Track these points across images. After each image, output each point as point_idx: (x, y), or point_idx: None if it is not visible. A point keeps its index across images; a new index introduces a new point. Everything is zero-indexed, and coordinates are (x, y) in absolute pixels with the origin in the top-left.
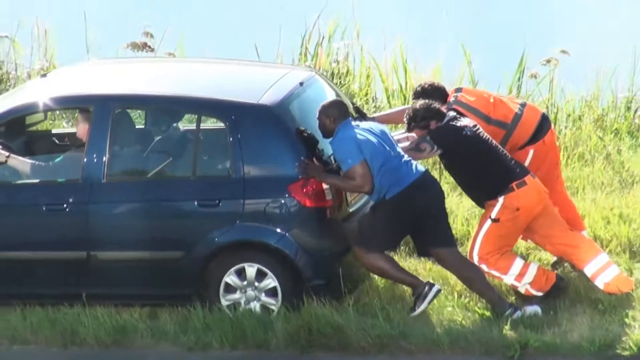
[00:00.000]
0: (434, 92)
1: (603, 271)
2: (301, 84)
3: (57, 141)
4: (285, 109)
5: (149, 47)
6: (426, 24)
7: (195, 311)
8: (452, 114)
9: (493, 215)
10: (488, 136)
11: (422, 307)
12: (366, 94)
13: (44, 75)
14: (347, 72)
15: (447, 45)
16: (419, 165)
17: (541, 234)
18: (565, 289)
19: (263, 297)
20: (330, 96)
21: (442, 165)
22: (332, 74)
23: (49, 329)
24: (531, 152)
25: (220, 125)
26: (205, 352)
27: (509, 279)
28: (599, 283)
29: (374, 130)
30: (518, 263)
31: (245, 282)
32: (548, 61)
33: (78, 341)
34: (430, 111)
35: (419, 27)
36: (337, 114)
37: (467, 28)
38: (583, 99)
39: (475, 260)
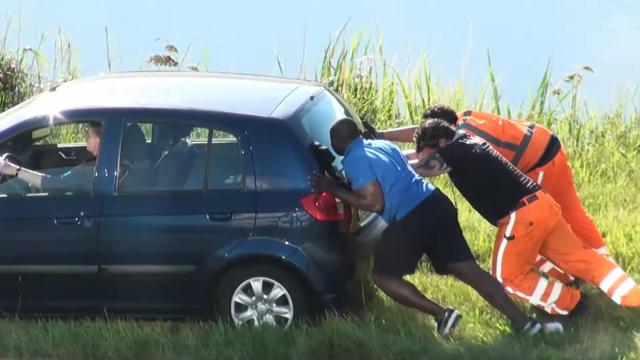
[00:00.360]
0: (443, 115)
1: (619, 285)
2: (312, 98)
3: (63, 155)
4: (297, 122)
5: (172, 61)
6: (449, 39)
7: (217, 326)
8: (461, 132)
9: (507, 233)
10: (498, 153)
11: (445, 333)
12: (389, 110)
13: (53, 89)
14: (370, 87)
15: (470, 60)
16: (429, 185)
17: (555, 250)
18: (589, 307)
19: (275, 308)
20: (339, 111)
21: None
22: (355, 89)
23: (70, 342)
24: (541, 174)
25: (232, 138)
26: None
27: (534, 300)
28: (616, 297)
29: (385, 149)
30: (542, 283)
31: (253, 298)
32: (571, 77)
33: (99, 355)
34: (439, 129)
35: (442, 42)
36: (347, 133)
37: (490, 44)
38: (606, 116)
39: (500, 282)
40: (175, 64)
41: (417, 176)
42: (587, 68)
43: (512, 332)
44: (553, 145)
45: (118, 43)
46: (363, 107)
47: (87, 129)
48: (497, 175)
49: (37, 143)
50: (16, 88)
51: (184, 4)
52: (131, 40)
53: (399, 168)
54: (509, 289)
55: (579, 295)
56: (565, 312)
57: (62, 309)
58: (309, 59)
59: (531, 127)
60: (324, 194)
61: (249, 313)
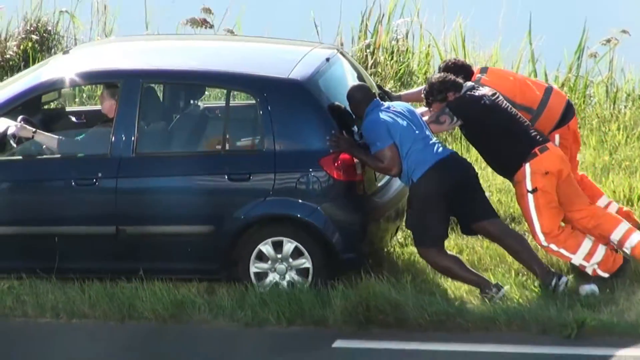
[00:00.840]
0: (458, 69)
1: (628, 237)
2: (327, 60)
3: (74, 119)
4: (314, 83)
5: (208, 23)
6: (486, 2)
7: (252, 287)
8: (469, 84)
9: (529, 187)
10: (508, 105)
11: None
12: (425, 73)
13: (66, 52)
14: (407, 50)
15: (506, 24)
16: (447, 147)
17: (565, 203)
18: (630, 271)
19: (293, 275)
20: (353, 74)
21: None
22: (392, 52)
23: (107, 303)
24: (557, 137)
25: (250, 100)
26: (262, 327)
27: (577, 259)
28: (627, 249)
29: (403, 112)
30: (587, 243)
31: (279, 256)
32: (608, 41)
33: (136, 315)
34: (446, 83)
35: (479, 5)
36: (363, 97)
37: (528, 7)
38: None
39: (543, 240)
40: (211, 26)
41: (434, 138)
42: (624, 31)
43: (547, 294)
44: (569, 110)
45: (154, 5)
46: (400, 70)
47: (102, 91)
48: (508, 126)
49: (45, 107)
50: (52, 50)
51: None
52: (167, 2)
53: (416, 131)
54: (553, 247)
55: (622, 259)
56: (606, 275)
57: (80, 270)
58: (345, 22)
59: (549, 89)
60: (343, 154)
61: (266, 266)
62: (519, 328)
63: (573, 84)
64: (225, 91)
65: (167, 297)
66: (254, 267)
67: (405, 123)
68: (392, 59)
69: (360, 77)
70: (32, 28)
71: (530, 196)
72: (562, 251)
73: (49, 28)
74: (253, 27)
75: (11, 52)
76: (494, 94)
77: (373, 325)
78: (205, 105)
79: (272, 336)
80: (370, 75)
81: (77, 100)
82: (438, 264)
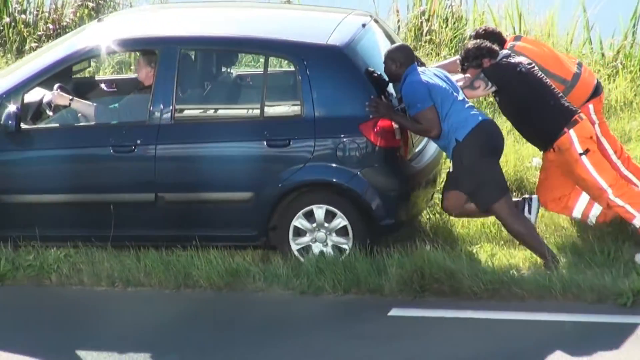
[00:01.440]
0: (488, 37)
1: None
2: (363, 26)
3: (105, 87)
4: (353, 49)
5: None
6: None
7: (308, 255)
8: (505, 51)
9: (579, 150)
10: (543, 75)
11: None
12: None
13: (100, 20)
14: (461, 17)
15: None
16: (483, 112)
17: None
18: None
19: (334, 237)
20: (387, 40)
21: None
22: (446, 18)
23: (162, 271)
24: (591, 107)
25: (288, 66)
26: (317, 296)
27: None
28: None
29: (440, 75)
30: None
31: (314, 225)
32: None
33: (191, 284)
34: (482, 49)
35: None
36: (404, 59)
37: None
38: None
39: (611, 193)
40: None
41: (470, 102)
42: None
43: (603, 262)
44: (598, 87)
45: None
46: (455, 36)
47: (138, 58)
48: (544, 94)
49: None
50: None
51: None
52: None
53: (454, 94)
54: (619, 201)
55: None
56: None
57: (119, 238)
58: None
59: (579, 64)
60: (382, 119)
61: (306, 239)
62: (574, 297)
63: (628, 52)
64: (262, 58)
65: (222, 266)
66: (295, 244)
67: (444, 85)
68: (446, 26)
69: (393, 44)
70: None
71: (584, 158)
72: (628, 207)
73: None
74: None
75: (67, 20)
76: (529, 63)
77: (428, 293)
78: (243, 73)
79: (327, 304)
80: (425, 42)
81: (106, 68)
82: (513, 228)
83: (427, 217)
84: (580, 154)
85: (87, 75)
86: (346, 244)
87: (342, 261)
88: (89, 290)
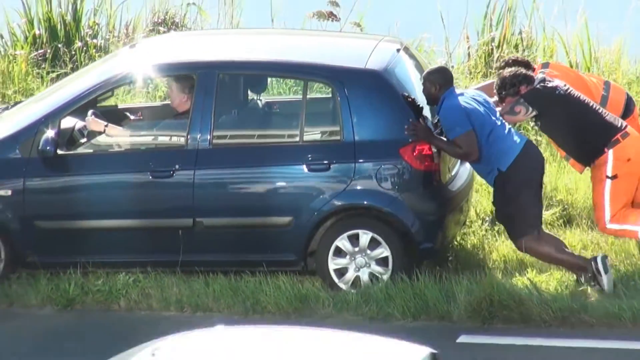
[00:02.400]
0: (518, 65)
1: None
2: (398, 51)
3: (130, 115)
4: (391, 73)
5: (335, 16)
6: None
7: (377, 281)
8: (541, 76)
9: (609, 173)
10: (580, 94)
11: (605, 281)
12: None
13: (132, 46)
14: (531, 44)
15: (633, 16)
16: (521, 135)
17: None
18: None
19: (373, 266)
20: (418, 65)
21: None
22: (516, 45)
23: (231, 297)
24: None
25: (327, 90)
26: (386, 322)
27: None
28: None
29: (478, 99)
30: None
31: (356, 249)
32: None
33: (259, 309)
34: (518, 76)
35: None
36: (443, 81)
37: None
38: None
39: (608, 222)
40: (338, 19)
41: (509, 125)
42: None
43: None
44: (630, 103)
45: None
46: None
47: (170, 85)
48: (585, 114)
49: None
50: None
51: None
52: None
53: (493, 117)
54: (614, 226)
55: None
56: None
57: (157, 263)
58: (470, 15)
59: (606, 84)
60: (422, 143)
61: (345, 261)
62: None
63: None
64: (301, 82)
65: (291, 291)
66: (333, 264)
67: (482, 109)
68: (516, 51)
69: (423, 71)
70: (159, 20)
71: (608, 182)
72: (627, 227)
73: (177, 20)
74: (378, 20)
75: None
76: (565, 85)
77: (497, 320)
78: (281, 97)
79: (396, 331)
80: (495, 69)
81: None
82: (538, 251)
83: (497, 244)
84: (607, 177)
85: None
86: (383, 274)
87: (412, 288)
88: (158, 315)
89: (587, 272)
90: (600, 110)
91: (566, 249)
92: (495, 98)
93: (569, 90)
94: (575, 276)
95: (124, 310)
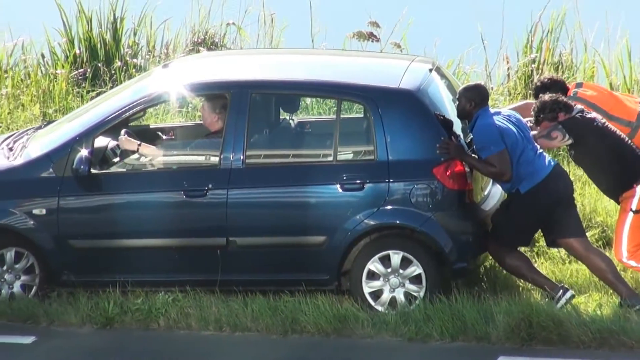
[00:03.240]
0: (552, 85)
1: None
2: (430, 70)
3: (162, 135)
4: (424, 93)
5: (375, 37)
6: None
7: (416, 302)
8: (579, 107)
9: (634, 207)
10: (615, 129)
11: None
12: None
13: (165, 66)
14: (571, 65)
15: None
16: (551, 159)
17: None
18: None
19: (407, 285)
20: (450, 85)
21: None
22: (556, 66)
23: (269, 316)
24: None
25: (361, 109)
26: (425, 342)
27: None
28: None
29: (512, 119)
30: None
31: (389, 270)
32: None
33: (298, 329)
34: (559, 103)
35: None
36: (479, 99)
37: None
38: None
39: (625, 256)
40: (378, 40)
41: (539, 149)
42: None
43: None
44: None
45: (321, 17)
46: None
47: (202, 104)
48: (619, 149)
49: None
50: None
51: None
52: (335, 14)
53: (524, 139)
54: (632, 263)
55: None
56: None
57: (189, 282)
58: (510, 36)
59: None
60: (455, 163)
61: (379, 283)
62: None
63: None
64: (334, 102)
65: (330, 311)
66: (368, 287)
67: (515, 130)
68: (556, 73)
69: (455, 91)
70: (199, 40)
71: (631, 215)
72: None
73: (216, 40)
74: (418, 40)
75: None
76: (602, 119)
77: (536, 341)
78: (315, 117)
79: (435, 351)
80: None
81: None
82: (507, 263)
83: (536, 265)
84: (632, 211)
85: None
86: (418, 292)
87: (450, 308)
88: (197, 334)
89: (551, 292)
90: (633, 147)
91: (534, 267)
92: (529, 119)
93: (605, 124)
94: (615, 298)
95: (163, 329)
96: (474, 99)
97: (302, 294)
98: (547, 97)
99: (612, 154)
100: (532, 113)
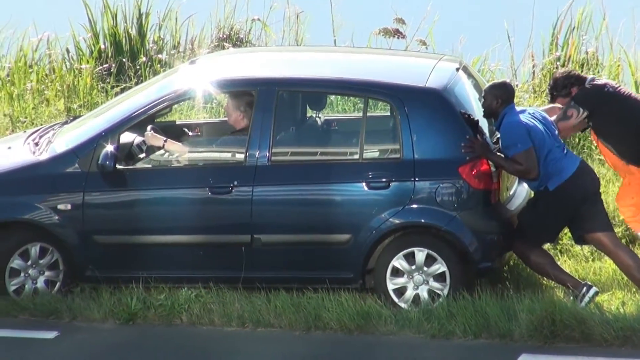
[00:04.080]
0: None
1: None
2: (457, 69)
3: (188, 131)
4: (450, 92)
5: (401, 34)
6: None
7: (439, 299)
8: (591, 76)
9: None
10: (631, 91)
11: (581, 307)
12: None
13: (192, 62)
14: (597, 63)
15: None
16: (576, 156)
17: None
18: None
19: (431, 282)
20: (477, 84)
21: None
22: (582, 64)
23: (292, 313)
24: None
25: (387, 108)
26: (448, 340)
27: None
28: None
29: (538, 117)
30: None
31: (413, 267)
32: None
33: (321, 326)
34: (570, 77)
35: None
36: (506, 97)
37: None
38: None
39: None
40: (404, 37)
41: (566, 147)
42: None
43: None
44: None
45: (346, 14)
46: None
47: (227, 102)
48: (636, 110)
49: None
50: None
51: None
52: (360, 11)
53: (551, 137)
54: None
55: None
56: None
57: (213, 279)
58: (537, 34)
59: None
60: (481, 162)
61: (403, 280)
62: None
63: None
64: (361, 100)
65: (354, 308)
66: (392, 284)
67: (542, 128)
68: (582, 71)
69: (480, 90)
70: (224, 36)
71: None
72: None
73: (241, 36)
74: (444, 37)
75: None
76: (616, 83)
77: (558, 339)
78: (340, 115)
79: (458, 349)
80: None
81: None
82: (531, 260)
83: (559, 262)
84: None
85: (166, 119)
86: (442, 290)
87: (473, 305)
88: (219, 330)
89: (574, 290)
90: None
91: (558, 265)
92: (554, 117)
93: (619, 88)
94: (639, 296)
95: (186, 325)
96: (500, 97)
97: (326, 291)
98: (558, 73)
99: (630, 117)
100: (548, 91)
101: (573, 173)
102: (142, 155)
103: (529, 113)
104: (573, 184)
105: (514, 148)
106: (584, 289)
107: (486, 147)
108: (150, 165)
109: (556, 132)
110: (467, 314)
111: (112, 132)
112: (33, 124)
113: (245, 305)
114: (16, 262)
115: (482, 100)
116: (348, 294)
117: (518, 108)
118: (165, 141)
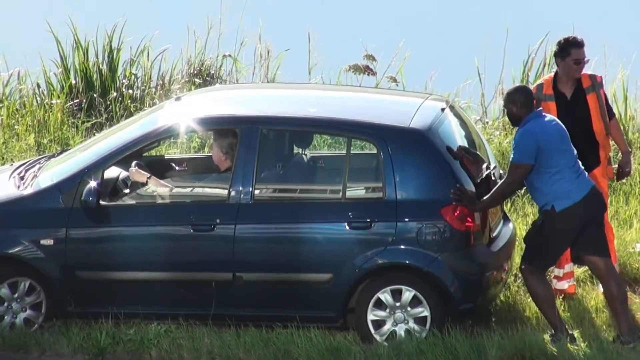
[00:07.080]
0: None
1: None
2: (442, 110)
3: (175, 166)
4: (434, 132)
5: (371, 70)
6: None
7: (408, 335)
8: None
9: None
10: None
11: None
12: None
13: (178, 99)
14: None
15: None
16: (588, 179)
17: None
18: None
19: (411, 323)
20: (464, 124)
21: None
22: None
23: (262, 348)
24: None
25: (369, 148)
26: None
27: None
28: None
29: (561, 132)
30: None
31: (397, 304)
32: None
33: None
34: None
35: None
36: (524, 100)
37: None
38: None
39: None
40: (374, 73)
41: (581, 168)
42: None
43: None
44: None
45: (318, 50)
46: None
47: (211, 141)
48: None
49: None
50: None
51: (387, 15)
52: (333, 47)
53: (567, 156)
54: None
55: None
56: None
57: (195, 316)
58: (507, 70)
59: None
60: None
61: (384, 314)
62: None
63: None
64: (343, 139)
65: (323, 344)
66: (372, 315)
67: (559, 144)
68: None
69: (468, 130)
70: (195, 71)
71: None
72: None
73: (212, 72)
74: (415, 74)
75: (174, 95)
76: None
77: None
78: (324, 154)
79: None
80: None
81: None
82: (534, 288)
83: (529, 299)
84: None
85: (155, 154)
86: (420, 333)
87: (443, 342)
88: None
89: (557, 335)
90: None
91: (555, 305)
92: None
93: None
94: (609, 334)
95: None
96: (518, 100)
97: (295, 327)
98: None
99: None
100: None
101: (583, 197)
102: (126, 191)
103: (553, 125)
104: (582, 208)
105: (516, 155)
106: (567, 338)
107: (472, 199)
108: (133, 202)
109: (575, 152)
110: (436, 351)
111: (95, 167)
112: (3, 158)
113: (215, 340)
114: (3, 291)
115: (504, 108)
116: (317, 330)
117: (548, 117)
118: (149, 177)
